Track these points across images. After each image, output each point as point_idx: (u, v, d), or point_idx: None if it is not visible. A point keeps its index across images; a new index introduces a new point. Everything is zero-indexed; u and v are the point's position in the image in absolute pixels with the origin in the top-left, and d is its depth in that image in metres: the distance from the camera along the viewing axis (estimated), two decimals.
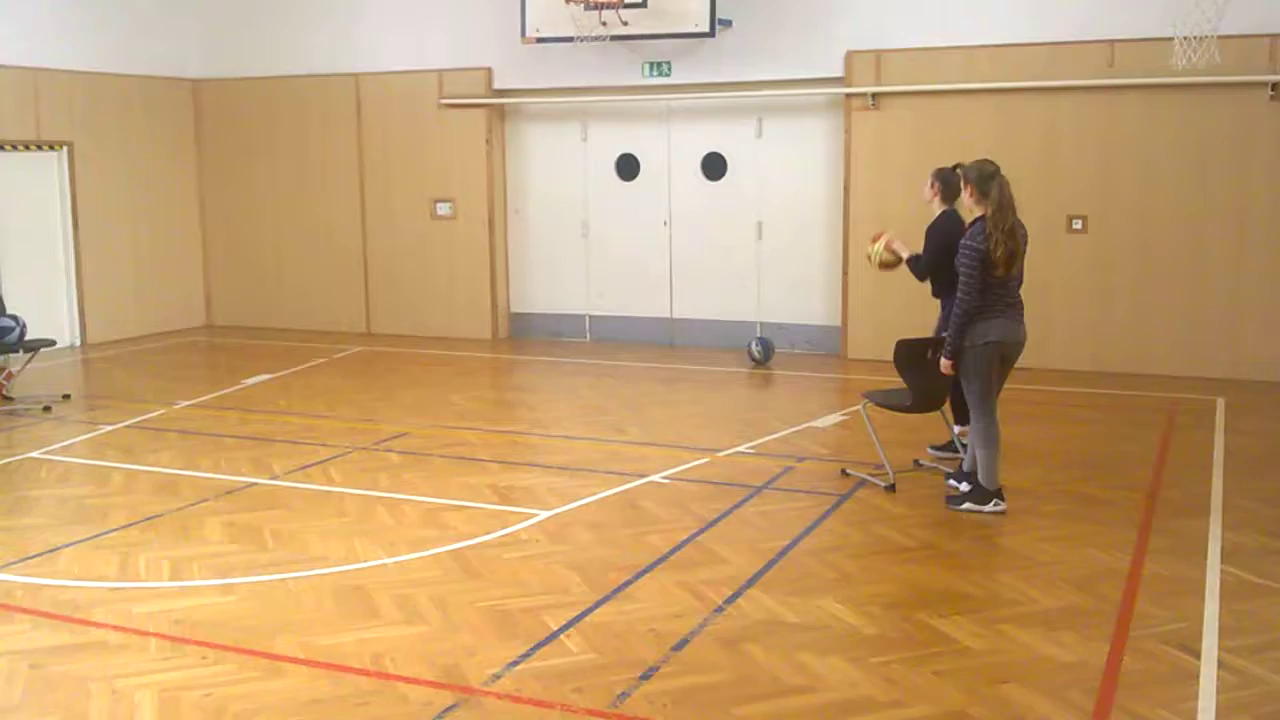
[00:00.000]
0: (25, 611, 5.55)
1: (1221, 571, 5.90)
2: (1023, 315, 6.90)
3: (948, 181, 7.72)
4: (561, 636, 5.17)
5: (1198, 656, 4.91)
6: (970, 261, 6.66)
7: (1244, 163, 10.69)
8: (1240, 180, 10.72)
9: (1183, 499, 7.19)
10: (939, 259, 7.57)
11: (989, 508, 6.90)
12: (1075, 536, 6.48)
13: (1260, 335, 10.80)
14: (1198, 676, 4.73)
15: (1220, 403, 9.89)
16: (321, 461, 8.30)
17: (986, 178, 6.68)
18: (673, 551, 6.30)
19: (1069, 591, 5.66)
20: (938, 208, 7.90)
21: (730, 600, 5.58)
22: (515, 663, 4.89)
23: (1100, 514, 6.90)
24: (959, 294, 6.72)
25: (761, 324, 12.85)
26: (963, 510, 6.94)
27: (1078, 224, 11.27)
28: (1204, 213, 10.87)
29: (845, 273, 12.23)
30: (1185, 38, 8.57)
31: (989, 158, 6.87)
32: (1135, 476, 7.72)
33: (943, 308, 7.78)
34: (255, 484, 7.74)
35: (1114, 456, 8.29)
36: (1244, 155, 10.68)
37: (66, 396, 10.55)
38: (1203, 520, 6.74)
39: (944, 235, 7.63)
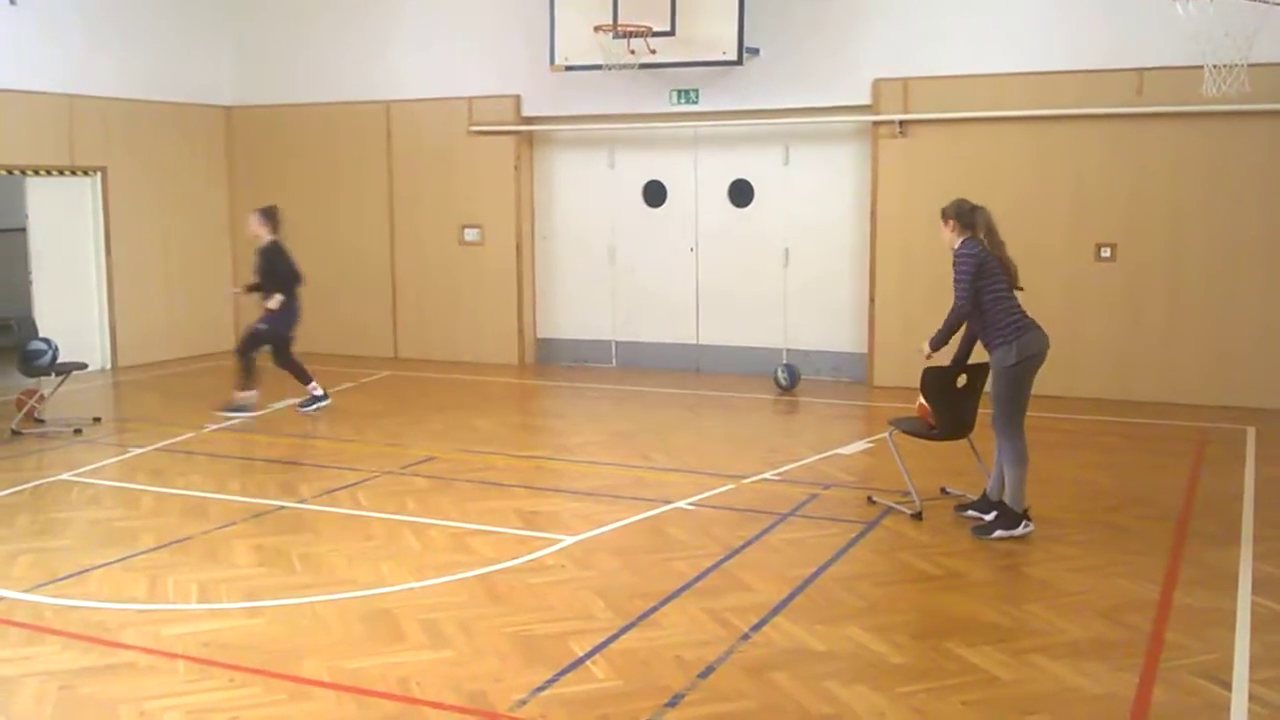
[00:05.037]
0: (55, 633, 5.59)
1: (1252, 602, 5.85)
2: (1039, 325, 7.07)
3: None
4: (587, 663, 5.17)
5: (1228, 688, 4.86)
6: (966, 267, 6.93)
7: (1274, 191, 10.62)
8: (1270, 208, 10.65)
9: (1213, 529, 7.13)
10: None
11: (1019, 530, 6.89)
12: (1104, 566, 6.44)
13: None
14: (1228, 708, 4.68)
15: (1251, 432, 9.81)
16: (349, 485, 8.34)
17: (966, 212, 7.09)
18: (699, 578, 6.29)
19: (1098, 622, 5.62)
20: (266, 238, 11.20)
21: (756, 628, 5.57)
22: (541, 688, 4.89)
23: (1129, 544, 6.86)
24: (955, 300, 6.94)
25: (787, 350, 12.85)
26: (994, 538, 6.90)
27: (1106, 252, 11.23)
28: (1234, 241, 10.81)
29: (872, 300, 12.21)
30: (1215, 66, 8.53)
31: (964, 198, 7.22)
32: (1165, 506, 7.67)
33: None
34: (283, 507, 7.79)
35: (1143, 486, 8.23)
36: (1274, 183, 10.61)
37: (97, 419, 10.65)
38: (1233, 550, 6.68)
39: None
